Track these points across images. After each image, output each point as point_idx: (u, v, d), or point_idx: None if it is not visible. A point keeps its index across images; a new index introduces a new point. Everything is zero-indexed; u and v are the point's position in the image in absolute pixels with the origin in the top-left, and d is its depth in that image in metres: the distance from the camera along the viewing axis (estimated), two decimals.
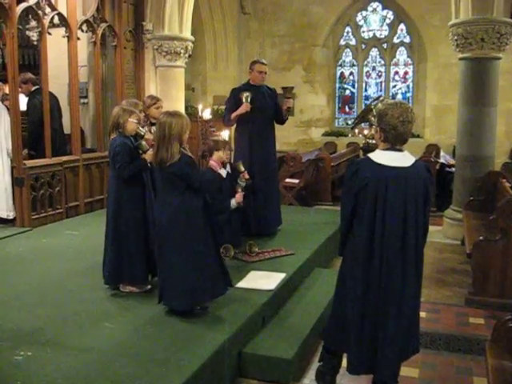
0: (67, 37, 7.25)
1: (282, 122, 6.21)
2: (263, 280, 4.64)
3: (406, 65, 13.51)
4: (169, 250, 3.80)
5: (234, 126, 6.12)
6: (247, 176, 5.42)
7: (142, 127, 4.64)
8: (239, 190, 5.14)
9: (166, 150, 3.68)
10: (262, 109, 5.94)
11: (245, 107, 5.82)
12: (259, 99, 5.93)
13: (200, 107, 10.15)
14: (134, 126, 4.35)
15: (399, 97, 13.27)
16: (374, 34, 13.62)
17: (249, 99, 5.82)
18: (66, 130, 7.65)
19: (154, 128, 4.99)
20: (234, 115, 5.89)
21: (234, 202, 5.19)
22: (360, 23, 13.70)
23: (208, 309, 3.97)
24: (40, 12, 6.76)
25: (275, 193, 6.32)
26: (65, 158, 7.23)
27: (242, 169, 5.39)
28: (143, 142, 4.33)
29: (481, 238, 5.09)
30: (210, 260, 3.85)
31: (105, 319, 3.84)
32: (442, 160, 10.63)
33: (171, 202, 3.77)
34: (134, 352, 3.35)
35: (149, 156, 4.24)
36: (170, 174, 3.71)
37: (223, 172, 5.22)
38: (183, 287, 3.77)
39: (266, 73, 6.07)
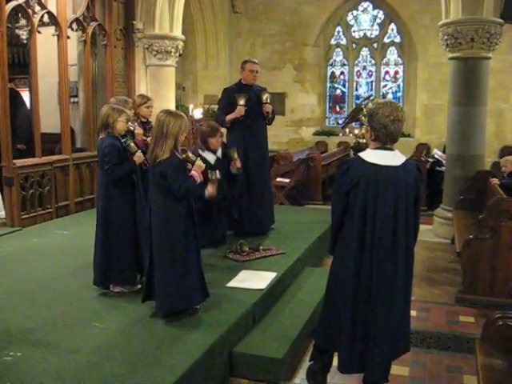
0: (57, 35, 7.22)
1: (268, 123, 6.20)
2: (254, 279, 4.63)
3: (396, 64, 13.55)
4: (154, 251, 3.79)
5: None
6: (239, 164, 5.43)
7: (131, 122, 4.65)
8: (213, 178, 4.51)
9: (160, 147, 3.67)
10: (255, 108, 5.93)
11: (239, 111, 5.79)
12: (251, 99, 5.92)
13: (191, 106, 10.14)
14: (124, 126, 4.32)
15: (390, 96, 13.31)
16: (364, 33, 13.66)
17: (244, 102, 5.77)
18: (56, 129, 7.62)
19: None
20: (229, 119, 5.84)
21: (206, 193, 4.79)
22: (351, 23, 13.72)
23: (198, 308, 3.96)
24: (29, 10, 6.72)
25: (269, 192, 6.35)
26: (55, 158, 7.20)
27: (235, 156, 5.38)
28: (132, 144, 4.30)
29: (471, 236, 5.11)
30: (190, 267, 3.80)
31: (95, 319, 3.82)
32: (436, 153, 10.66)
33: (155, 202, 3.76)
34: (123, 352, 3.34)
35: (138, 157, 4.21)
36: (157, 173, 3.70)
37: (211, 157, 5.22)
38: (162, 291, 3.76)
39: (257, 72, 6.05)
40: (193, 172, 3.81)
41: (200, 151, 5.49)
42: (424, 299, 5.15)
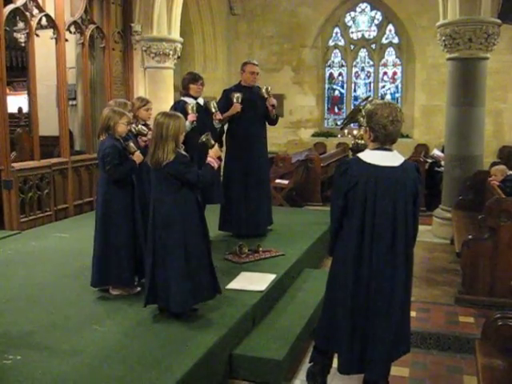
0: (55, 38, 7.23)
1: (272, 122, 6.18)
2: (253, 281, 4.63)
3: (394, 65, 13.55)
4: (164, 251, 3.77)
5: (226, 126, 6.11)
6: (219, 116, 5.58)
7: (137, 126, 4.79)
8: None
9: (162, 150, 3.68)
10: (254, 109, 5.93)
11: (235, 108, 5.82)
12: (251, 100, 5.92)
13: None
14: (125, 129, 4.34)
15: (388, 97, 13.30)
16: (362, 34, 13.65)
17: (239, 100, 5.82)
18: (55, 132, 7.61)
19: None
20: (225, 116, 5.86)
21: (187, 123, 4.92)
22: (349, 24, 13.72)
23: (198, 310, 3.95)
24: (27, 13, 6.73)
25: (267, 193, 6.34)
26: (53, 161, 7.19)
27: (213, 110, 5.53)
28: (131, 144, 4.34)
29: (470, 236, 5.11)
30: (203, 262, 3.83)
31: (94, 322, 3.82)
32: (435, 153, 10.67)
33: (165, 200, 3.77)
34: (123, 355, 3.33)
35: (137, 157, 4.24)
36: (166, 174, 3.71)
37: (190, 101, 5.47)
38: (178, 289, 3.74)
39: (257, 73, 6.07)
40: (209, 159, 3.85)
41: (181, 97, 5.76)
42: (423, 300, 5.15)
